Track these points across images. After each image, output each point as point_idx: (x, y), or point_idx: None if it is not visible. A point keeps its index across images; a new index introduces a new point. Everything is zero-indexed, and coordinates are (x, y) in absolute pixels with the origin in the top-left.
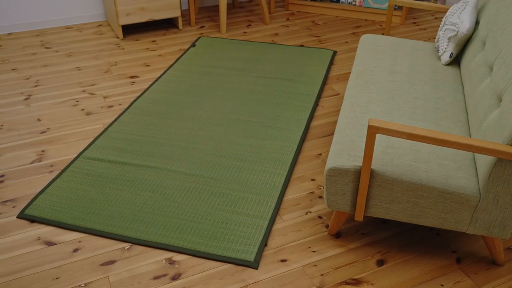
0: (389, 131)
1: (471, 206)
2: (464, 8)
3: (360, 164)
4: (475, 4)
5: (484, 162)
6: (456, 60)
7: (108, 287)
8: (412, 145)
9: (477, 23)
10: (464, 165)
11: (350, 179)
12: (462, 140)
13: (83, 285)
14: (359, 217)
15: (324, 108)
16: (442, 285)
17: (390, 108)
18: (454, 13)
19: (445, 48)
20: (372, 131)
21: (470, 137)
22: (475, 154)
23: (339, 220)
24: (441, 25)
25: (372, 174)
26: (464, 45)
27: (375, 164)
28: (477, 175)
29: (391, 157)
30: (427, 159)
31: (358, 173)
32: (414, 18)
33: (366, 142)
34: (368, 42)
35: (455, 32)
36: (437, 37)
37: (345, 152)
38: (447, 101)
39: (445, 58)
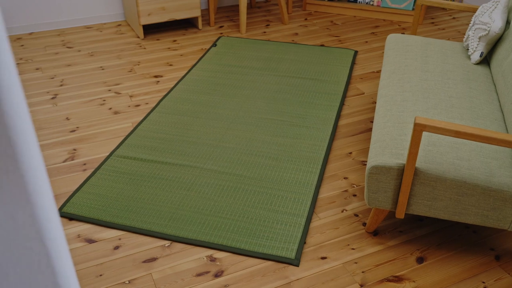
0: (436, 129)
1: None
2: (495, 7)
3: (403, 161)
4: (506, 4)
5: None
6: (484, 59)
7: (152, 283)
8: (453, 143)
9: (507, 22)
10: (506, 163)
11: (392, 176)
12: (510, 137)
13: (127, 282)
14: (400, 214)
15: (350, 107)
16: (483, 282)
17: (427, 106)
18: (485, 12)
19: (475, 48)
20: (419, 128)
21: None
22: None
23: (378, 218)
24: (470, 25)
25: (416, 171)
26: (494, 44)
27: (418, 162)
28: None
29: (433, 155)
30: (468, 157)
31: (401, 170)
32: (432, 18)
33: (411, 139)
34: (395, 41)
35: (487, 32)
36: (465, 36)
37: (387, 150)
38: (482, 100)
39: (475, 57)
